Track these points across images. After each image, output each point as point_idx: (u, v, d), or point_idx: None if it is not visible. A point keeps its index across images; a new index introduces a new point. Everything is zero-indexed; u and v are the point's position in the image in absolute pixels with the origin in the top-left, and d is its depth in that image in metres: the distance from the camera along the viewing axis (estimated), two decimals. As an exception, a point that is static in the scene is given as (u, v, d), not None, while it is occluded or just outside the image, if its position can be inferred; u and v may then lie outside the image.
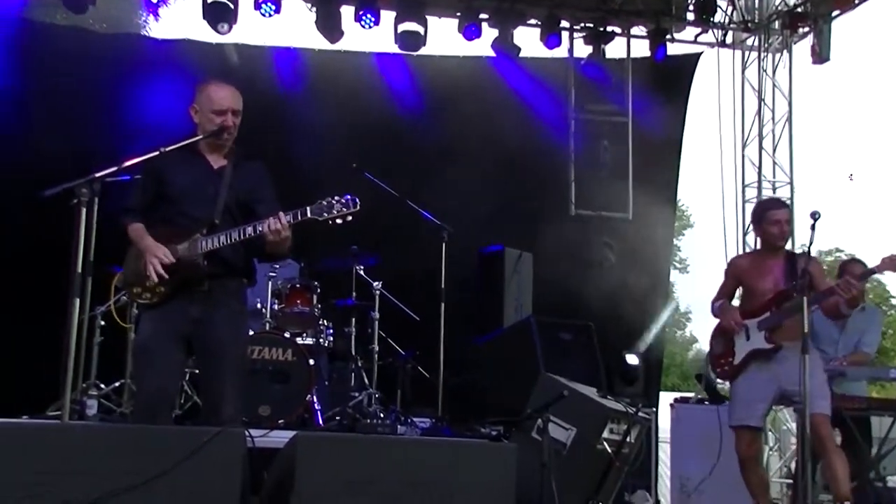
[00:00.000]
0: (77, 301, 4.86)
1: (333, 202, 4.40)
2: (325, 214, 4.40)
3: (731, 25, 9.80)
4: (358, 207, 4.44)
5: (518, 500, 4.08)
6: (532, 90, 9.39)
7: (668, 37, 9.42)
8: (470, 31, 8.83)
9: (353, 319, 7.70)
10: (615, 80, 9.44)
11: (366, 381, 7.46)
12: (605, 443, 4.97)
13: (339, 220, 4.43)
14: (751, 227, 8.25)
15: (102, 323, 7.15)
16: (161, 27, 8.75)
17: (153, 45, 8.94)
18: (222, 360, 4.52)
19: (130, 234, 4.60)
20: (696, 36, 9.78)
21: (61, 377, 4.95)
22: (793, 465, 8.08)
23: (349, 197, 4.43)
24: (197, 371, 6.14)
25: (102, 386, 7.01)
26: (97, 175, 4.79)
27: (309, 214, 4.41)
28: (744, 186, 9.72)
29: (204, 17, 8.34)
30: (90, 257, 5.45)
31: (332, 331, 7.40)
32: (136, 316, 4.92)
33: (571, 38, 9.45)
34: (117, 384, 7.05)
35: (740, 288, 5.82)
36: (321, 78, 8.99)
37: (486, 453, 4.30)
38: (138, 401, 4.62)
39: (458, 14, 8.91)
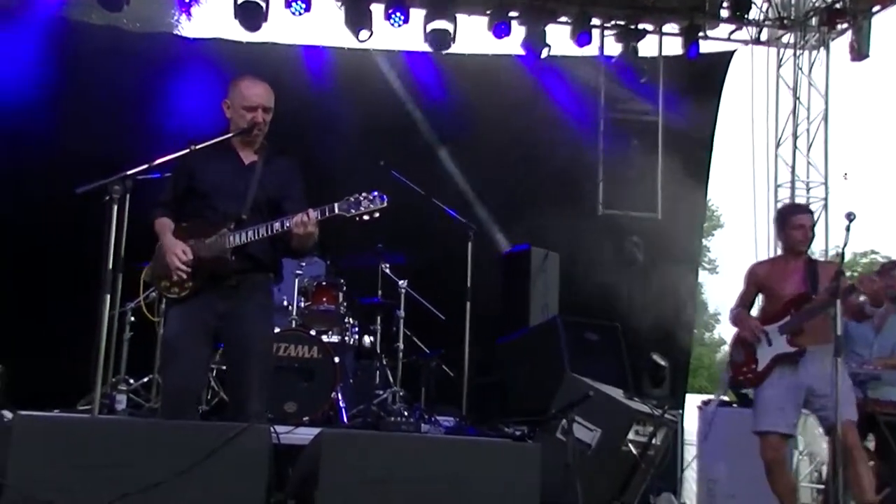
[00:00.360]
0: (108, 297, 4.92)
1: (361, 199, 4.42)
2: (353, 211, 4.42)
3: (767, 22, 9.68)
4: (385, 204, 4.46)
5: (542, 501, 4.08)
6: (561, 89, 9.37)
7: (702, 34, 9.33)
8: (499, 29, 8.82)
9: (379, 318, 7.71)
10: (646, 79, 9.39)
11: (390, 379, 7.48)
12: (630, 444, 4.96)
13: (366, 217, 4.44)
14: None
15: (132, 319, 7.23)
16: (193, 26, 8.80)
17: (185, 44, 9.01)
18: (249, 356, 4.55)
19: (156, 228, 4.65)
20: (730, 33, 9.68)
21: (91, 372, 5.02)
22: (823, 470, 8.00)
23: (376, 194, 4.45)
24: (224, 367, 6.23)
25: (131, 381, 7.09)
26: (129, 172, 4.85)
27: (336, 211, 4.42)
28: (776, 186, 9.62)
29: (235, 17, 8.40)
30: (121, 254, 5.50)
31: (357, 329, 7.42)
32: (165, 310, 4.95)
33: (602, 36, 9.41)
34: (146, 379, 7.13)
35: (761, 295, 5.78)
36: (350, 76, 9.02)
37: (510, 453, 4.29)
38: (165, 395, 4.67)
39: (488, 12, 8.90)
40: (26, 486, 3.87)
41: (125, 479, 3.89)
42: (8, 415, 4.40)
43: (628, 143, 9.40)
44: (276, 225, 4.45)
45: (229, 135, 4.71)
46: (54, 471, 3.90)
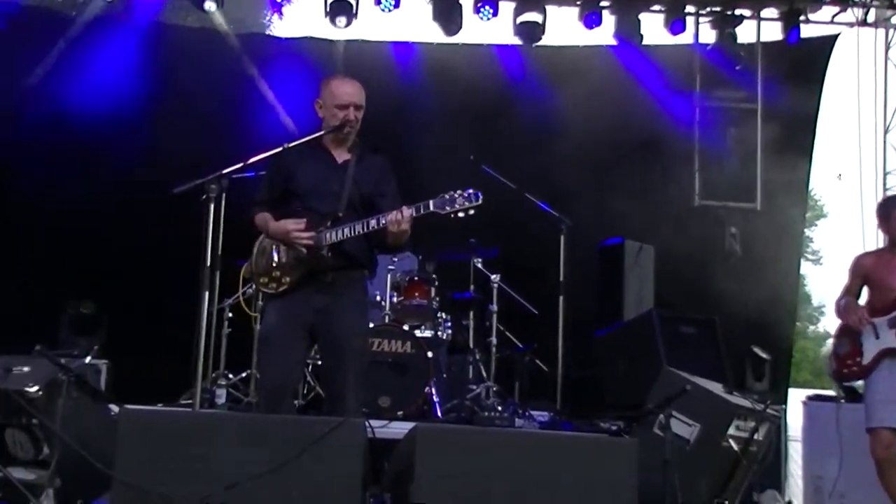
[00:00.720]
0: (206, 294, 5.03)
1: (456, 196, 4.44)
2: (448, 208, 4.44)
3: (875, 3, 9.26)
4: (480, 202, 4.47)
5: (640, 497, 4.02)
6: (655, 78, 9.19)
7: (802, 18, 9.01)
8: (590, 19, 8.70)
9: (472, 312, 7.71)
10: (743, 66, 9.15)
11: (484, 373, 7.46)
12: (731, 440, 4.84)
13: (460, 214, 4.46)
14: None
15: (230, 315, 7.38)
16: (285, 25, 8.93)
17: (277, 43, 9.14)
18: (345, 351, 4.60)
19: (257, 223, 4.73)
20: (834, 16, 9.29)
21: (192, 367, 5.14)
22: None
23: (471, 191, 4.47)
24: (319, 362, 6.30)
25: (231, 376, 7.23)
26: (224, 172, 4.97)
27: (431, 208, 4.45)
28: (885, 174, 9.27)
29: (326, 15, 8.48)
30: (218, 252, 5.62)
31: (450, 323, 7.43)
32: (263, 306, 5.04)
33: (697, 23, 9.19)
34: (244, 374, 7.26)
35: (866, 287, 5.59)
36: (439, 71, 9.01)
37: (607, 448, 4.24)
38: (262, 389, 4.76)
39: (578, 2, 8.78)
40: (132, 476, 3.98)
41: (225, 471, 3.97)
42: (114, 409, 4.53)
43: (725, 132, 9.18)
44: (372, 222, 4.50)
45: (320, 133, 4.77)
46: (158, 462, 4.00)
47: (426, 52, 9.20)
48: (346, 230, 4.53)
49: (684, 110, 9.25)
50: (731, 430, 4.84)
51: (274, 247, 4.66)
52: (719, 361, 6.91)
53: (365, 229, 4.51)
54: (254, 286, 7.12)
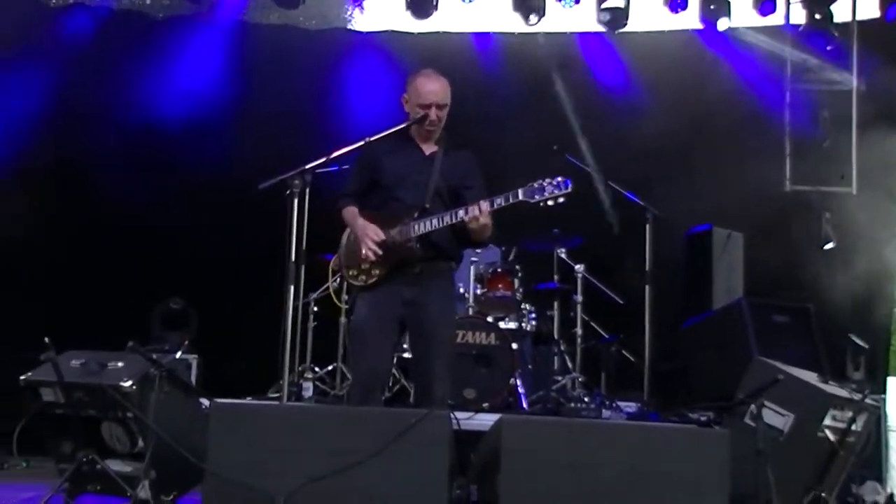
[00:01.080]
0: (291, 288, 5.09)
1: (545, 184, 4.45)
2: (537, 197, 4.45)
3: (976, -26, 8.86)
4: (570, 189, 4.47)
5: (733, 488, 3.93)
6: (744, 62, 8.98)
7: (902, -6, 8.67)
8: (675, 2, 8.54)
9: (556, 303, 7.66)
10: (837, 46, 8.85)
11: (569, 364, 7.41)
12: (826, 430, 4.70)
13: (550, 203, 4.46)
14: None
15: (315, 309, 7.46)
16: (365, 19, 8.94)
17: (358, 38, 9.20)
18: (434, 342, 4.66)
19: (344, 217, 4.79)
20: (936, -9, 8.94)
21: (279, 361, 5.21)
22: None
23: (560, 179, 4.47)
24: (406, 355, 6.34)
25: (317, 369, 7.32)
26: (308, 166, 5.04)
27: (521, 196, 4.46)
28: None
29: (407, 8, 8.50)
30: (303, 246, 5.68)
31: (534, 314, 7.39)
32: (352, 299, 5.08)
33: (788, 4, 8.94)
34: (330, 367, 7.34)
35: None
36: (521, 61, 8.96)
37: (698, 439, 4.16)
38: (354, 379, 4.81)
39: (663, -14, 8.64)
40: (223, 469, 4.05)
41: (312, 463, 4.01)
42: (205, 403, 4.61)
43: (818, 114, 8.92)
44: (461, 212, 4.52)
45: (401, 126, 4.80)
46: (247, 455, 4.06)
47: (507, 42, 9.14)
48: (434, 221, 4.57)
49: (774, 93, 9.00)
50: (827, 421, 4.69)
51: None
52: (814, 350, 6.72)
53: (454, 219, 4.54)
54: (340, 279, 7.23)
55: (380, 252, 4.56)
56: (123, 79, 8.23)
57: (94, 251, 7.98)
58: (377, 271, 4.61)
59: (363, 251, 4.57)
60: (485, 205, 4.46)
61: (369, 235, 4.58)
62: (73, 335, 4.91)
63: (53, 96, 7.94)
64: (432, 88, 4.70)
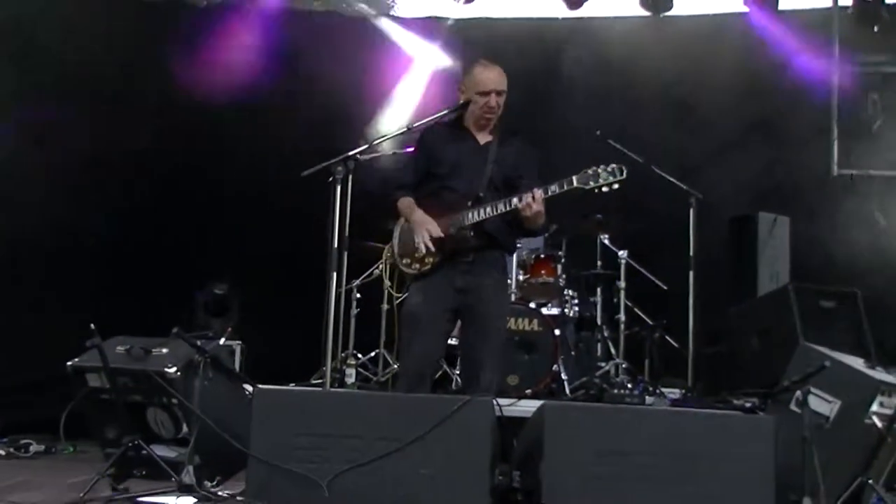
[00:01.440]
0: (334, 275, 5.12)
1: (599, 171, 4.48)
2: (591, 183, 4.49)
3: None
4: (624, 176, 4.49)
5: (778, 475, 3.90)
6: (791, 44, 8.83)
7: (956, -29, 8.45)
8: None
9: (599, 289, 7.62)
10: (888, 27, 8.67)
11: (612, 351, 7.37)
12: (874, 417, 4.63)
13: (605, 189, 4.49)
14: None
15: (358, 295, 7.49)
16: (407, 6, 8.92)
17: (401, 24, 9.18)
18: (486, 329, 4.71)
19: (400, 208, 4.83)
20: None
21: (322, 347, 5.25)
22: None
23: (615, 166, 4.51)
24: (452, 341, 6.36)
25: (360, 356, 7.35)
26: (350, 153, 5.08)
27: (575, 184, 4.50)
28: None
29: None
30: (345, 233, 5.71)
31: (577, 300, 7.36)
32: (407, 287, 5.11)
33: (837, -15, 8.78)
34: (373, 354, 7.37)
35: None
36: (563, 46, 8.89)
37: (742, 425, 4.14)
38: (405, 365, 4.84)
39: (709, -31, 8.52)
40: (267, 454, 4.09)
41: (355, 449, 4.03)
42: (248, 389, 4.65)
43: (866, 97, 8.76)
44: (514, 200, 4.55)
45: (443, 112, 4.85)
46: (291, 440, 4.10)
47: (549, 28, 9.07)
48: (488, 209, 4.61)
49: (822, 76, 8.86)
50: (875, 407, 4.62)
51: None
52: (861, 336, 6.61)
53: (507, 207, 4.58)
54: (382, 266, 7.28)
55: (433, 248, 4.61)
56: (167, 66, 8.28)
57: (138, 238, 8.06)
58: (431, 259, 4.66)
59: (417, 244, 4.62)
60: (538, 192, 4.48)
61: (427, 230, 4.63)
62: (118, 321, 4.98)
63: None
64: (491, 76, 4.74)
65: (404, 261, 4.76)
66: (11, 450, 6.19)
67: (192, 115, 8.25)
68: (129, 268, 7.95)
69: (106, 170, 7.95)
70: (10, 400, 6.97)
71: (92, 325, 4.29)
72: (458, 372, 6.80)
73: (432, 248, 4.60)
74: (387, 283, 7.34)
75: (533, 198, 4.47)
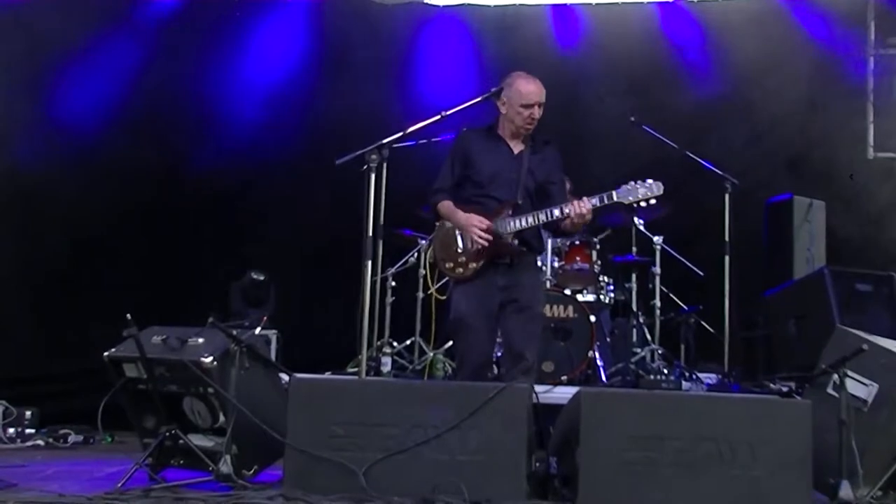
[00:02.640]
0: (369, 263, 5.14)
1: (637, 186, 4.66)
2: (630, 198, 4.68)
3: None
4: (661, 192, 4.67)
5: (815, 459, 3.88)
6: (825, 28, 8.70)
7: None
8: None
9: (634, 275, 7.58)
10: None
11: (648, 337, 7.34)
12: (913, 400, 4.60)
13: (643, 204, 4.69)
14: None
15: (393, 284, 7.50)
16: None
17: (434, 12, 9.16)
18: (526, 317, 4.85)
19: (441, 211, 4.94)
20: None
21: (358, 336, 5.27)
22: None
23: (651, 181, 4.69)
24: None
25: (395, 344, 7.37)
26: (384, 141, 5.12)
27: (615, 198, 4.69)
28: None
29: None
30: (380, 221, 5.72)
31: (612, 287, 7.34)
32: (449, 290, 5.21)
33: (871, -33, 8.65)
34: (409, 342, 7.39)
35: None
36: (599, 33, 8.84)
37: (779, 409, 4.13)
38: (464, 368, 4.91)
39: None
40: (304, 443, 4.12)
41: (392, 437, 4.06)
42: (285, 378, 4.68)
43: (902, 80, 8.64)
44: (556, 212, 4.75)
45: (476, 100, 4.92)
46: (327, 429, 4.13)
47: (585, 14, 9.01)
48: (531, 218, 4.79)
49: (856, 60, 8.74)
50: (913, 391, 4.59)
51: (458, 233, 4.89)
52: (898, 319, 6.54)
53: (549, 218, 4.77)
54: (417, 254, 7.31)
55: (490, 238, 4.73)
56: (203, 58, 8.34)
57: (174, 228, 8.12)
58: (473, 265, 4.80)
59: (473, 242, 4.74)
60: (590, 201, 4.66)
61: (476, 225, 4.75)
62: (155, 311, 5.03)
63: (136, 77, 8.09)
64: (534, 89, 4.87)
65: (447, 265, 4.88)
66: (50, 440, 6.30)
67: (230, 104, 8.31)
68: (166, 257, 8.01)
69: (140, 159, 8.02)
70: (49, 391, 7.08)
71: (128, 316, 4.33)
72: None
73: (489, 238, 4.72)
74: (422, 271, 7.38)
75: (586, 207, 4.65)
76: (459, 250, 4.83)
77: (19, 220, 7.57)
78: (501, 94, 4.93)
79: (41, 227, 7.60)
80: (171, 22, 8.35)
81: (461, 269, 4.83)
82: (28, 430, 6.36)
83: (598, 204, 4.70)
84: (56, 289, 7.58)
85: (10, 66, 7.66)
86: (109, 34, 8.04)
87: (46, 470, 4.99)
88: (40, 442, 6.30)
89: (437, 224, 5.06)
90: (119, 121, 7.97)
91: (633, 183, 4.67)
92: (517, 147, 4.97)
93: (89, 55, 7.89)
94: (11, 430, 6.32)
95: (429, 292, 6.92)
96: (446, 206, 4.92)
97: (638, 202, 4.67)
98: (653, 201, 4.68)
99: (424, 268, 7.38)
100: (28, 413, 6.38)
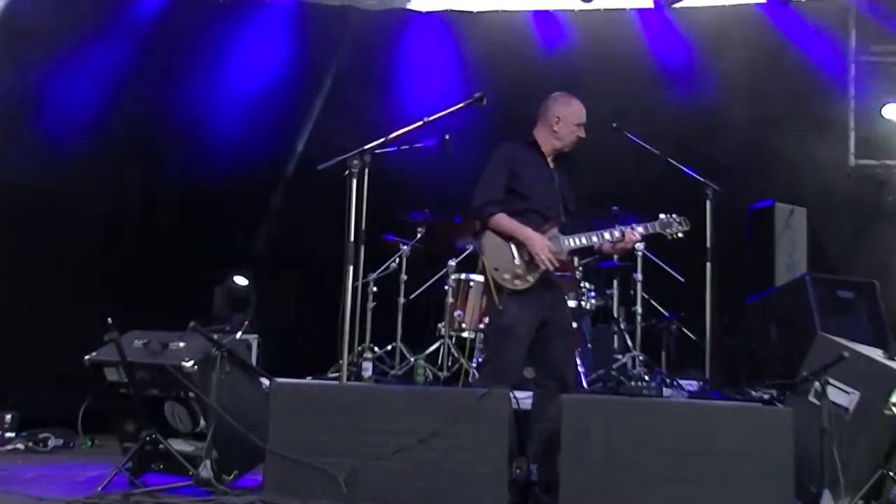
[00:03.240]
0: (350, 268, 5.12)
1: (672, 220, 4.96)
2: (668, 231, 4.96)
3: None
4: (689, 227, 5.04)
5: (797, 467, 3.88)
6: (807, 35, 8.75)
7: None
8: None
9: (616, 281, 7.59)
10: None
11: (629, 343, 7.35)
12: (894, 408, 4.62)
13: (679, 235, 4.97)
14: None
15: (375, 289, 7.48)
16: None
17: (418, 18, 9.17)
18: (567, 338, 5.09)
19: (498, 222, 4.86)
20: None
21: (339, 341, 5.24)
22: None
23: (682, 217, 5.00)
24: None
25: (376, 349, 7.35)
26: (366, 147, 5.09)
27: (657, 229, 4.95)
28: None
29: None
30: (362, 226, 5.70)
31: (594, 293, 7.34)
32: (503, 299, 5.12)
33: (853, -24, 8.71)
34: (389, 347, 7.36)
35: None
36: (580, 39, 8.86)
37: (761, 417, 4.13)
38: (492, 372, 4.84)
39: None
40: (285, 448, 4.10)
41: (373, 442, 4.05)
42: (265, 383, 4.66)
43: (883, 87, 8.69)
44: (607, 235, 4.91)
45: (459, 106, 4.92)
46: (309, 434, 4.12)
47: (567, 20, 9.04)
48: (584, 239, 4.91)
49: (837, 68, 8.80)
50: (895, 398, 4.60)
51: (512, 245, 4.87)
52: (880, 326, 6.57)
53: (601, 240, 4.93)
54: (398, 260, 7.28)
55: (557, 265, 4.81)
56: (187, 61, 8.32)
57: (156, 232, 8.09)
58: (530, 278, 4.81)
59: (542, 262, 4.75)
60: (636, 235, 4.91)
61: (548, 246, 4.78)
62: (136, 316, 5.00)
63: (122, 78, 8.06)
64: (583, 110, 5.08)
65: (504, 276, 4.82)
66: (30, 444, 6.23)
67: (213, 108, 8.29)
68: (148, 262, 7.97)
69: (124, 162, 7.98)
70: (29, 394, 7.01)
71: (109, 320, 4.30)
72: (474, 365, 6.81)
73: (557, 265, 4.80)
74: (403, 276, 7.37)
75: (636, 236, 4.91)
76: (516, 262, 4.81)
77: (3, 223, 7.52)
78: (554, 111, 4.99)
79: (25, 232, 7.54)
80: (154, 26, 8.32)
81: (519, 282, 4.80)
82: (7, 434, 6.30)
83: (644, 233, 4.93)
84: (36, 293, 7.52)
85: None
86: (94, 38, 8.00)
87: (27, 474, 4.97)
88: (20, 445, 6.24)
89: (482, 234, 4.93)
90: (103, 126, 7.93)
91: (668, 216, 4.94)
92: (551, 163, 5.06)
93: (73, 59, 7.85)
94: (-9, 434, 6.27)
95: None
96: (503, 219, 4.86)
97: (673, 234, 4.96)
98: (679, 235, 4.97)
99: (406, 273, 7.37)
100: (8, 416, 6.32)
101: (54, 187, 7.64)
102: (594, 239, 4.91)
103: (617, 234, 4.88)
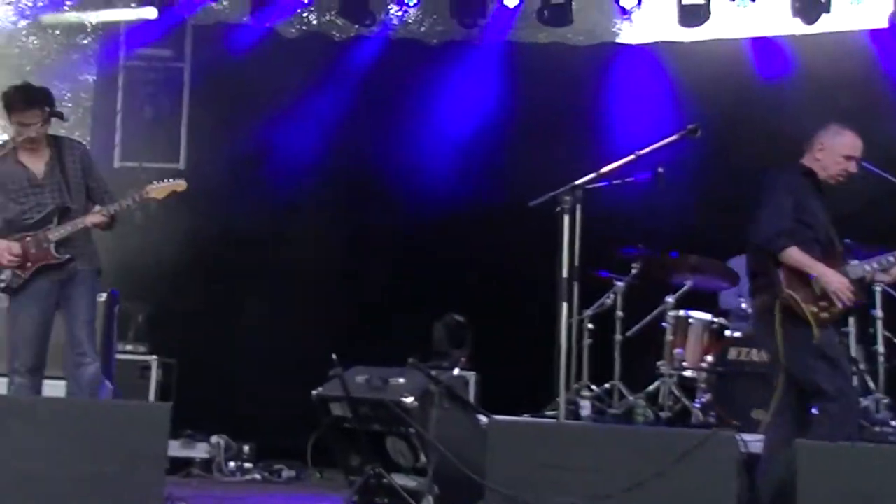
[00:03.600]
0: (565, 305, 5.06)
1: (892, 259, 4.79)
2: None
3: None
4: None
5: None
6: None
7: None
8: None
9: (852, 319, 7.11)
10: None
11: (871, 385, 6.85)
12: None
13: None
14: None
15: (591, 326, 7.35)
16: (633, 32, 8.83)
17: (627, 51, 9.06)
18: None
19: (793, 256, 4.75)
20: None
21: (555, 378, 5.18)
22: None
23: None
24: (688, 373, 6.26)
25: (594, 387, 7.21)
26: (578, 182, 5.03)
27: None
28: None
29: (680, 20, 8.24)
30: (575, 262, 5.63)
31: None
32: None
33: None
34: (607, 385, 7.21)
35: None
36: (805, 63, 8.44)
37: None
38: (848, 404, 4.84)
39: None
40: (503, 485, 4.07)
41: (591, 482, 3.95)
42: (483, 419, 4.66)
43: None
44: (891, 259, 4.82)
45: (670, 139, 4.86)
46: (526, 472, 4.07)
47: (788, 45, 8.65)
48: (875, 264, 4.83)
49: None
50: None
51: (810, 278, 4.77)
52: None
53: (890, 264, 4.85)
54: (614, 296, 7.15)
55: (855, 300, 4.75)
56: (403, 103, 8.58)
57: (376, 269, 8.36)
58: (835, 310, 4.75)
59: (838, 301, 4.68)
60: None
61: (848, 287, 4.70)
62: (358, 351, 5.13)
63: (342, 122, 8.43)
64: (859, 143, 4.95)
65: (811, 308, 4.73)
66: (266, 474, 6.54)
67: (428, 149, 8.50)
68: (369, 298, 8.24)
69: (346, 203, 8.32)
70: (264, 427, 7.37)
71: (334, 356, 4.43)
72: (697, 405, 6.58)
73: (854, 301, 4.74)
74: (619, 313, 7.21)
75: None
76: (819, 294, 4.73)
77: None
78: (822, 138, 4.90)
79: (265, 273, 8.10)
80: (371, 71, 8.64)
81: (826, 315, 4.73)
82: (246, 465, 6.64)
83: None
84: (272, 334, 7.98)
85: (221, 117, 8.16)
86: (316, 86, 8.42)
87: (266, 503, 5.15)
88: (257, 476, 6.55)
89: (782, 266, 4.79)
90: (324, 166, 8.31)
91: (888, 257, 4.78)
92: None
93: (295, 105, 8.28)
94: (232, 464, 6.62)
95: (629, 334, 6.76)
96: (796, 252, 4.75)
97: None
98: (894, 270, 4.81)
99: (622, 310, 7.21)
100: (246, 448, 6.67)
101: (278, 228, 8.08)
102: (885, 262, 4.81)
103: (892, 258, 4.75)
